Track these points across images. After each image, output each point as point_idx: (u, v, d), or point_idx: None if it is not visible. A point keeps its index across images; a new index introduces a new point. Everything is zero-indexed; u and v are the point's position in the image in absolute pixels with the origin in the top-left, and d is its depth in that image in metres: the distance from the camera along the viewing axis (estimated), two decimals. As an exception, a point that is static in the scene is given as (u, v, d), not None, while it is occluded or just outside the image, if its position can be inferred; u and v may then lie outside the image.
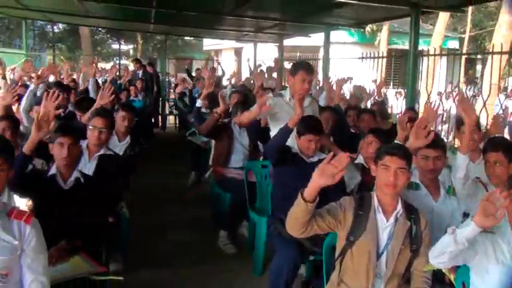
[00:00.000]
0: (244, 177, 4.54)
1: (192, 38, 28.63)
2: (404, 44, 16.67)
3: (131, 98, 9.02)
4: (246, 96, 6.46)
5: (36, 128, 2.84)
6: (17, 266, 2.08)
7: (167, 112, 13.22)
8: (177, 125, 12.15)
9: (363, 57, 7.55)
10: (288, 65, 9.38)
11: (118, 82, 9.63)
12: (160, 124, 12.52)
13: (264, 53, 13.97)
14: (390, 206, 2.53)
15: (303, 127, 3.60)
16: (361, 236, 2.46)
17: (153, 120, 11.71)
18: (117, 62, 17.60)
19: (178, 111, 11.71)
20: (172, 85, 14.74)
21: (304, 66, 3.98)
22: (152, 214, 5.49)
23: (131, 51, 31.74)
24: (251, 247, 4.49)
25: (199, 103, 5.93)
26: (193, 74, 12.19)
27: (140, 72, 11.04)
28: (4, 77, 7.06)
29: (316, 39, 10.55)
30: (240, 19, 9.04)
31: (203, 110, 6.39)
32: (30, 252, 2.08)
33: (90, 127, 3.75)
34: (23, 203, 2.95)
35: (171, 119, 13.14)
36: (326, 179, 2.15)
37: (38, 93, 5.21)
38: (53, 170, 2.97)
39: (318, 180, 2.18)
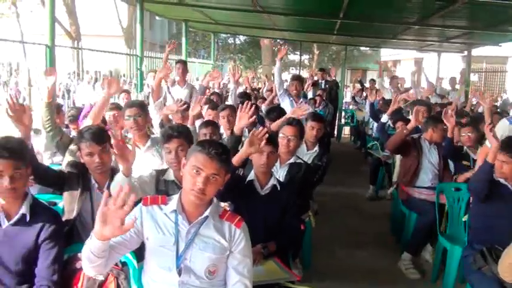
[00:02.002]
0: (436, 199, 4.24)
1: (368, 48, 28.29)
2: None
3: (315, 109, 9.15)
4: (430, 109, 6.08)
5: (248, 144, 2.86)
6: (224, 266, 2.18)
7: (343, 122, 13.16)
8: (353, 136, 12.03)
9: None
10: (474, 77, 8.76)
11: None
12: (335, 134, 12.51)
13: (446, 64, 13.08)
14: None
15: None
16: None
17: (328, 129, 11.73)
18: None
19: (355, 123, 11.57)
20: (349, 95, 14.67)
21: None
22: (330, 224, 5.45)
23: (306, 61, 32.53)
24: (436, 276, 4.19)
25: (384, 118, 5.73)
26: (367, 85, 11.93)
27: (323, 82, 11.16)
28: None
29: (506, 48, 9.55)
30: (425, 28, 8.62)
31: (389, 124, 6.18)
32: (238, 255, 2.17)
33: (281, 135, 3.84)
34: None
35: (346, 130, 13.05)
36: None
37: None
38: (251, 176, 3.09)
39: None
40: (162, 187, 2.99)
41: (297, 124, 3.92)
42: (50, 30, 5.69)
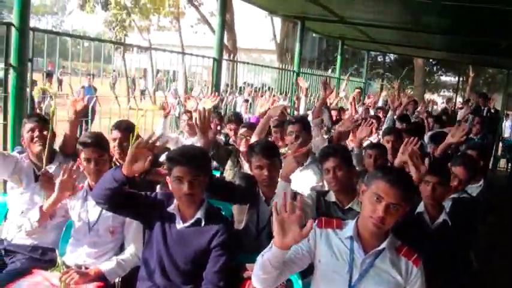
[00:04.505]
0: None
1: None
2: None
3: (470, 136, 8.50)
4: None
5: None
6: None
7: (499, 154, 12.09)
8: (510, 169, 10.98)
9: None
10: None
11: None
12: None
13: None
14: None
15: None
16: None
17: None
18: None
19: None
20: (508, 125, 13.40)
21: None
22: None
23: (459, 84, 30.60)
24: None
25: None
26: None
27: (485, 109, 10.29)
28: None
29: None
30: None
31: None
32: None
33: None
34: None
35: (501, 163, 11.93)
36: None
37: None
38: (420, 208, 2.95)
39: None
40: (323, 208, 2.99)
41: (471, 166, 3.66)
42: (217, 44, 6.13)
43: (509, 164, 11.20)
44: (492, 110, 10.62)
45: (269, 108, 4.20)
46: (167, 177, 2.53)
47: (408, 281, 2.07)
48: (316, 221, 2.16)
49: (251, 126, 4.20)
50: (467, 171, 3.59)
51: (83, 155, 2.87)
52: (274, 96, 6.69)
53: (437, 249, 2.73)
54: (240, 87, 10.11)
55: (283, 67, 9.01)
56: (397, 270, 2.06)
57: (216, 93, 4.94)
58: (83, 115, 3.94)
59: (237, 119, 4.97)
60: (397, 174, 2.06)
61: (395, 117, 6.20)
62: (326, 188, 3.50)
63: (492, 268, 4.81)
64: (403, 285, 2.07)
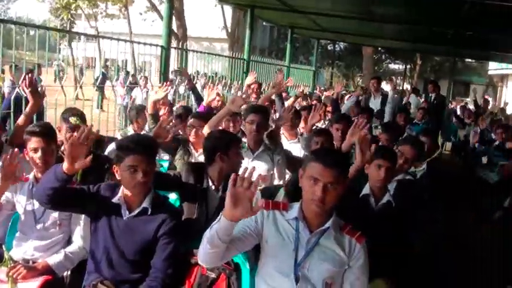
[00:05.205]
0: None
1: (473, 61, 26.76)
2: None
3: (414, 121, 8.78)
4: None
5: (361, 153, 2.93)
6: (340, 281, 2.16)
7: (445, 138, 12.50)
8: (453, 153, 11.43)
9: None
10: None
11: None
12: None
13: None
14: None
15: None
16: None
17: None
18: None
19: (458, 140, 10.97)
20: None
21: None
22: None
23: (407, 71, 31.52)
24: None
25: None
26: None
27: (433, 96, 10.57)
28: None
29: None
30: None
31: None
32: (356, 270, 2.15)
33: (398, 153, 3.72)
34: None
35: (447, 146, 12.41)
36: None
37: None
38: (366, 190, 3.03)
39: None
40: None
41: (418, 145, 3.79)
42: (165, 32, 6.03)
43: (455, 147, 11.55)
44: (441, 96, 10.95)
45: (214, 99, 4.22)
46: (114, 166, 2.49)
47: (351, 257, 2.14)
48: (264, 203, 2.19)
49: (200, 116, 4.20)
50: (414, 149, 3.69)
51: (30, 145, 2.80)
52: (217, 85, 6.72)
53: (380, 228, 2.82)
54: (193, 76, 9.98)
55: (235, 56, 8.99)
56: (341, 247, 2.14)
57: (168, 82, 4.87)
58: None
59: (184, 109, 4.93)
60: (329, 154, 2.14)
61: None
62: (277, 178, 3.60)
63: (437, 252, 4.99)
64: (346, 261, 2.14)
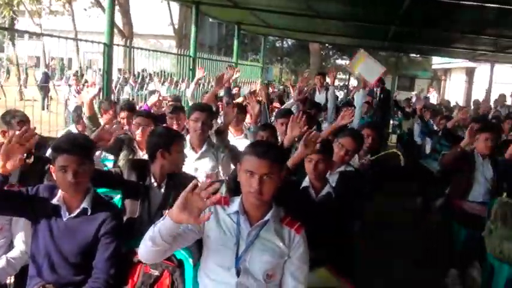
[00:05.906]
0: (487, 215, 4.12)
1: (418, 55, 27.66)
2: None
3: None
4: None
5: (304, 146, 2.93)
6: (281, 271, 2.21)
7: (390, 131, 12.93)
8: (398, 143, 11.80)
9: None
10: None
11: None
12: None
13: (502, 75, 12.66)
14: None
15: None
16: None
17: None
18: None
19: (402, 132, 11.34)
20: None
21: None
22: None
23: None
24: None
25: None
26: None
27: (378, 90, 10.89)
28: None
29: None
30: (478, 37, 8.44)
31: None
32: (296, 260, 2.20)
33: (339, 145, 3.81)
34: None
35: (393, 138, 12.82)
36: None
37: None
38: (306, 182, 3.09)
39: None
40: None
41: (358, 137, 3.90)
42: (108, 29, 5.91)
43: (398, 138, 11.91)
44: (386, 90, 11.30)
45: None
46: (51, 166, 2.45)
47: (291, 248, 2.19)
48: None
49: (147, 115, 4.16)
50: (355, 141, 3.77)
51: None
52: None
53: (320, 219, 2.91)
54: (140, 75, 9.79)
55: (182, 53, 8.93)
56: (281, 239, 2.18)
57: (94, 81, 4.80)
58: None
59: (129, 107, 4.87)
60: (262, 146, 2.17)
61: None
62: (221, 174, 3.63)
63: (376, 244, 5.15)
64: (286, 252, 2.18)
